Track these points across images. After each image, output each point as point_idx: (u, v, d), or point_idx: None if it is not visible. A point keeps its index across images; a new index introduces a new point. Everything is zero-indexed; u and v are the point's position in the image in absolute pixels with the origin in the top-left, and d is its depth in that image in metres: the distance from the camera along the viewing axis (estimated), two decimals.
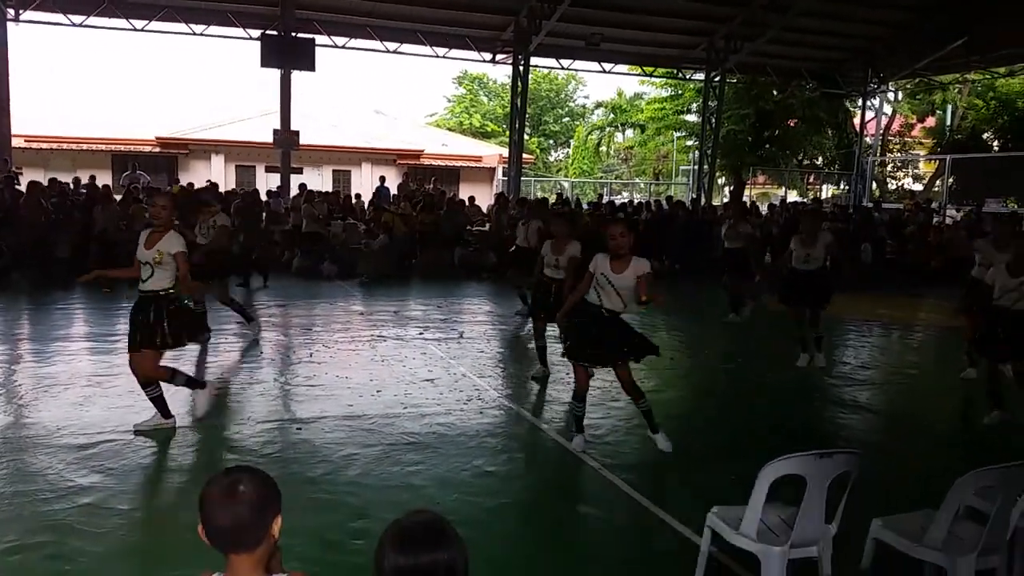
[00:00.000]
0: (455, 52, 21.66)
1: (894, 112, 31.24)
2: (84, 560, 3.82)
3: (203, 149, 26.95)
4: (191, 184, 18.18)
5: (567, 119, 46.31)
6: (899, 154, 33.24)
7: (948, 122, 30.68)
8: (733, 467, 5.16)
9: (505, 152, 25.72)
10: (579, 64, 24.00)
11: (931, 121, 32.06)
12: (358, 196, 19.50)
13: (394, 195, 20.11)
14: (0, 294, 11.49)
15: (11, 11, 17.07)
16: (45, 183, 15.62)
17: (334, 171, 28.48)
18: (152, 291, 5.56)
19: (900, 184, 33.86)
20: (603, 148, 41.59)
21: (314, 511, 4.33)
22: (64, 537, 4.03)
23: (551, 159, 46.98)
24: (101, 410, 6.16)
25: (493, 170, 30.49)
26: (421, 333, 9.70)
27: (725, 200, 28.13)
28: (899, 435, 6.75)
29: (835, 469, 3.38)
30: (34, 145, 23.63)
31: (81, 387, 6.76)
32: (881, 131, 29.88)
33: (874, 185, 29.45)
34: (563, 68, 25.46)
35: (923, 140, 33.24)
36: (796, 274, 8.36)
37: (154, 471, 4.98)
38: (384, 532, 1.71)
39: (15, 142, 18.27)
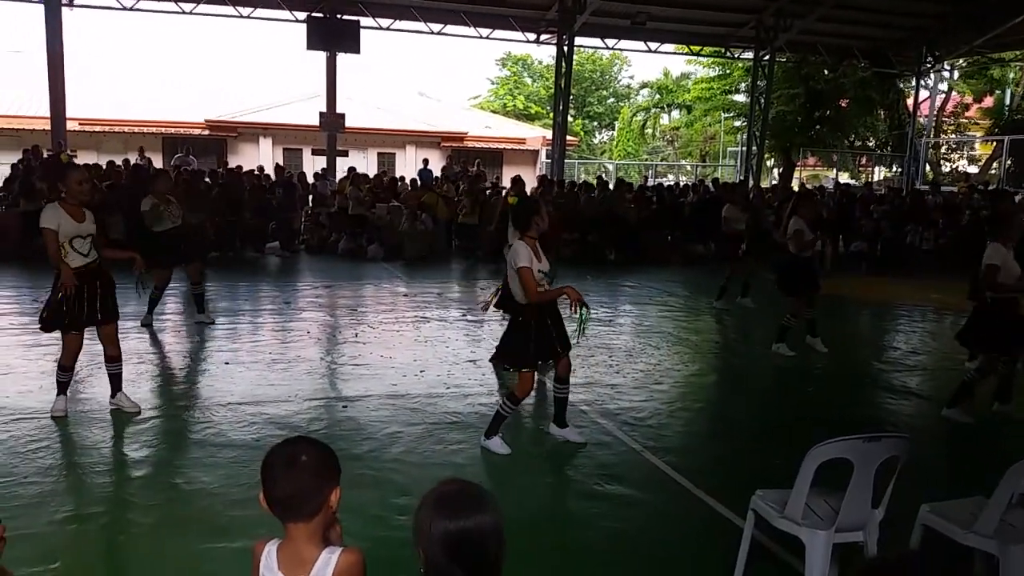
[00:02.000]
0: (499, 33, 21.58)
1: (949, 91, 30.36)
2: (137, 531, 3.93)
3: (251, 132, 27.32)
4: (239, 167, 18.44)
5: (612, 100, 45.95)
6: (954, 135, 32.33)
7: (1007, 102, 29.72)
8: (779, 451, 5.10)
9: (549, 134, 25.62)
10: (624, 44, 23.76)
11: (988, 101, 31.07)
12: (402, 178, 19.60)
13: (437, 177, 20.16)
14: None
15: None
16: (99, 165, 15.98)
17: (379, 154, 28.68)
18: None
19: (955, 166, 32.95)
20: (648, 130, 41.15)
21: (359, 487, 4.38)
22: (117, 509, 4.15)
23: (595, 141, 46.71)
24: (151, 386, 6.32)
25: (536, 152, 30.42)
26: (464, 315, 9.74)
27: (774, 182, 27.67)
28: (950, 421, 6.60)
29: (883, 453, 3.32)
30: (87, 128, 24.18)
31: (134, 364, 6.92)
32: (935, 112, 29.07)
33: (927, 167, 28.70)
34: (608, 48, 25.24)
35: (980, 121, 32.23)
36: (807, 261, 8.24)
37: (204, 446, 5.09)
38: (422, 501, 1.73)
39: (69, 125, 18.68)
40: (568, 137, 24.26)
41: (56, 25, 17.09)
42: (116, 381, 5.72)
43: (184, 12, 18.78)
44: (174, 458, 4.86)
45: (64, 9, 17.48)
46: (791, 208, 8.61)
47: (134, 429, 5.30)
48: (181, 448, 5.03)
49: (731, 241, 11.16)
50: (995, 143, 28.23)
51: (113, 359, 5.70)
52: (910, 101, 27.26)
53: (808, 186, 21.81)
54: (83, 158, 18.70)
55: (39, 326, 5.53)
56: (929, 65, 25.01)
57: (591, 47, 28.25)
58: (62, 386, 5.55)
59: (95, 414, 5.60)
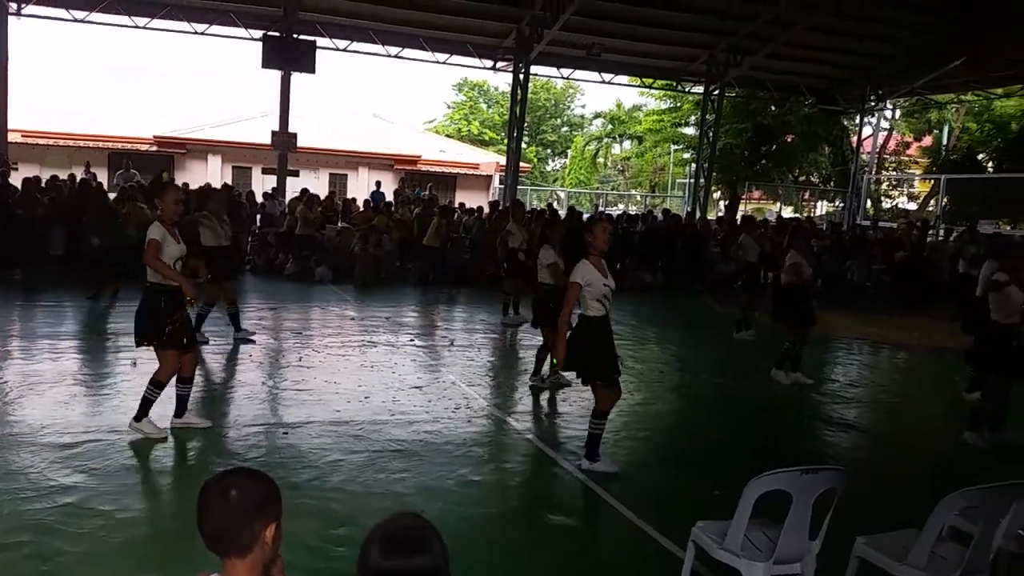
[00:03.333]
0: (456, 58, 21.68)
1: (891, 130, 31.39)
2: (64, 560, 3.80)
3: (200, 149, 26.92)
4: (186, 184, 18.13)
5: (565, 129, 46.45)
6: (894, 172, 33.38)
7: (944, 142, 30.83)
8: (718, 481, 5.15)
9: (502, 160, 25.75)
10: (579, 74, 24.05)
11: (927, 140, 32.22)
12: (353, 200, 19.48)
13: (388, 200, 20.10)
14: None
15: (13, 5, 17.04)
16: (41, 179, 15.58)
17: (331, 174, 28.48)
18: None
19: (895, 203, 34.00)
20: (600, 159, 41.66)
21: (298, 517, 4.29)
22: (45, 536, 4.00)
23: (548, 168, 47.08)
24: (86, 409, 6.14)
25: (490, 178, 30.53)
26: (412, 340, 9.69)
27: (720, 214, 28.19)
28: (885, 454, 6.76)
29: (820, 486, 3.37)
30: (30, 140, 23.56)
31: (67, 386, 6.73)
32: (877, 149, 30.00)
33: (868, 203, 29.55)
34: (563, 77, 25.52)
35: (919, 159, 33.39)
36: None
37: (137, 472, 4.95)
38: (368, 534, 1.70)
39: (11, 136, 18.21)
40: (522, 164, 24.42)
41: (2, 34, 16.70)
42: (184, 402, 5.74)
43: (137, 27, 18.49)
44: (106, 484, 4.70)
45: (11, 18, 17.09)
46: (787, 241, 8.89)
47: (65, 454, 5.12)
48: (114, 474, 4.87)
49: (746, 271, 11.31)
50: (933, 181, 29.22)
51: (188, 380, 5.74)
52: (854, 139, 28.08)
53: (795, 218, 22.26)
54: (25, 171, 18.16)
55: (154, 344, 5.42)
56: (872, 103, 25.83)
57: (546, 75, 28.51)
58: (149, 405, 5.50)
59: (24, 437, 5.40)
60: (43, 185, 15.18)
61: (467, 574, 3.63)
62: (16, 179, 15.22)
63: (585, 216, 18.53)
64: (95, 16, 18.03)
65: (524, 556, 4.26)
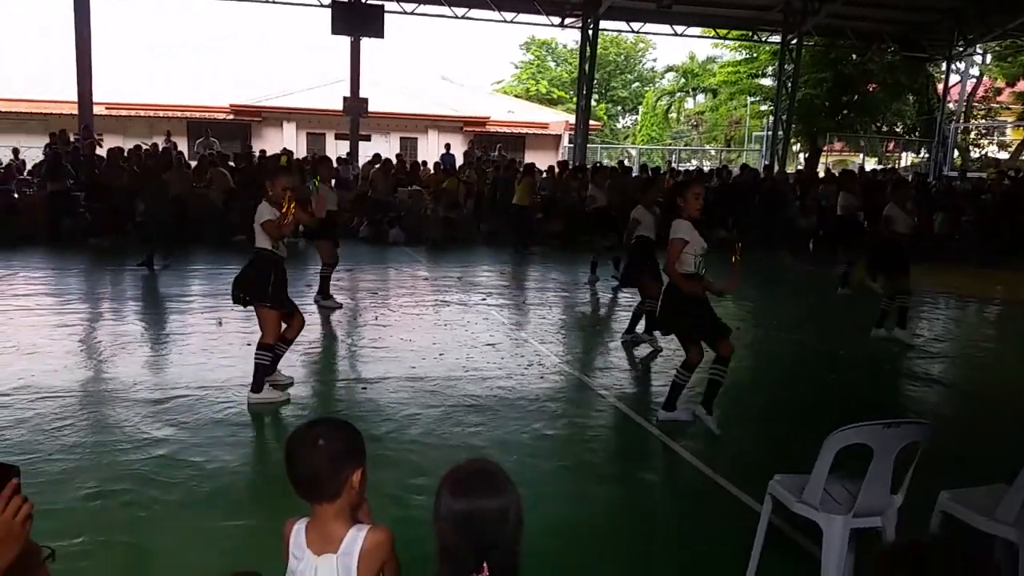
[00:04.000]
0: (523, 16, 21.45)
1: (980, 76, 29.80)
2: (158, 508, 3.99)
3: (275, 117, 27.41)
4: (263, 151, 18.54)
5: (636, 84, 45.57)
6: (984, 120, 31.75)
7: None
8: (798, 437, 5.08)
9: (571, 119, 25.48)
10: (649, 27, 23.53)
11: (1021, 85, 30.48)
12: (424, 163, 19.60)
13: (460, 163, 20.16)
14: (81, 256, 11.96)
15: None
16: (124, 149, 16.12)
17: (401, 138, 28.67)
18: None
19: (984, 152, 32.40)
20: (673, 114, 40.81)
21: (377, 467, 4.36)
22: (140, 486, 4.21)
23: (619, 126, 46.38)
24: (175, 367, 6.40)
25: (559, 137, 30.28)
26: (484, 299, 9.76)
27: (799, 168, 27.38)
28: (971, 409, 6.54)
29: (903, 439, 3.28)
30: (114, 112, 24.37)
31: (155, 345, 7.03)
32: (965, 96, 28.57)
33: (956, 153, 28.25)
34: (633, 31, 25.01)
35: (1011, 106, 31.65)
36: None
37: (224, 425, 5.14)
38: (442, 479, 1.74)
39: (95, 109, 18.85)
40: (591, 121, 24.14)
41: (84, 9, 17.23)
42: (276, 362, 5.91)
43: None
44: (195, 437, 4.91)
45: None
46: (888, 194, 8.72)
47: (156, 409, 5.36)
48: (203, 427, 5.09)
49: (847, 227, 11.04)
50: None
51: (291, 340, 5.98)
52: (940, 86, 26.79)
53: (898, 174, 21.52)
54: (110, 142, 18.84)
55: (268, 304, 5.62)
56: (960, 49, 24.53)
57: (616, 31, 27.99)
58: (265, 370, 5.65)
59: (117, 393, 5.67)
60: (126, 155, 15.70)
61: (542, 524, 3.68)
62: (102, 151, 15.78)
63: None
64: None
65: (598, 508, 4.29)
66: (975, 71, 28.93)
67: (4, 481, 1.58)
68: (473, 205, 16.20)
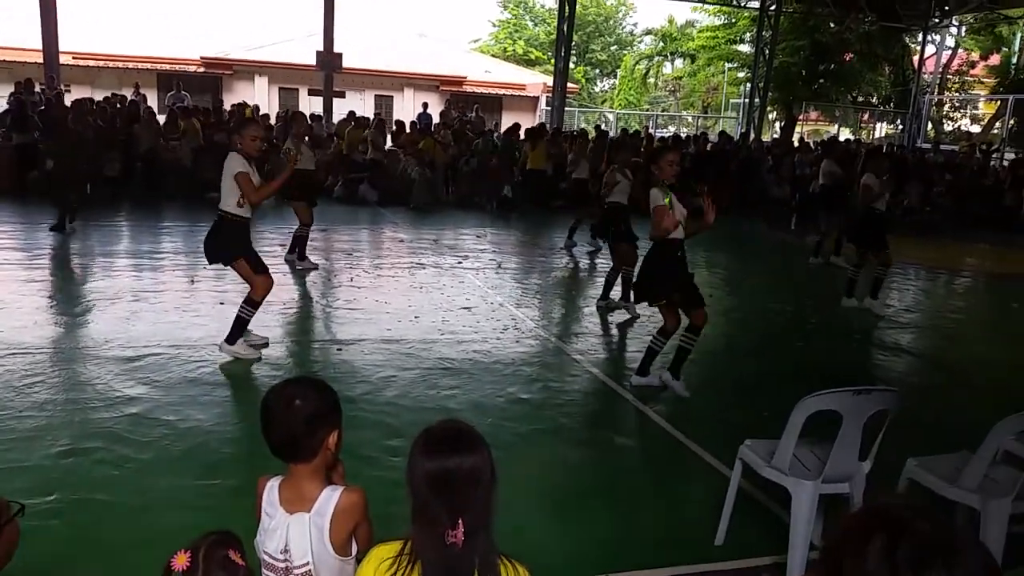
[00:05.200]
0: None
1: (956, 48, 29.95)
2: (131, 466, 3.97)
3: (247, 70, 26.91)
4: (234, 106, 18.19)
5: (615, 47, 45.24)
6: (958, 93, 31.98)
7: (1014, 60, 29.35)
8: (768, 403, 5.15)
9: (549, 81, 25.27)
10: None
11: (995, 59, 30.69)
12: (399, 123, 19.37)
13: (436, 123, 19.94)
14: (49, 211, 11.72)
15: None
16: (93, 100, 15.74)
17: (376, 96, 28.31)
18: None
19: (957, 125, 32.69)
20: (651, 79, 40.62)
21: (353, 429, 4.33)
22: (112, 444, 4.19)
23: (596, 89, 46.12)
24: (147, 325, 6.32)
25: (536, 99, 30.06)
26: (460, 262, 9.73)
27: (775, 136, 27.45)
28: (939, 379, 6.68)
29: (872, 406, 3.35)
30: (81, 62, 23.76)
31: (127, 302, 6.93)
32: (940, 68, 28.72)
33: (929, 125, 28.47)
34: None
35: (984, 79, 31.89)
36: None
37: (197, 384, 5.12)
38: (415, 439, 1.75)
39: (63, 59, 18.36)
40: (569, 84, 23.94)
41: None
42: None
43: None
44: (169, 395, 4.88)
45: None
46: (862, 164, 8.73)
47: (129, 367, 5.31)
48: (176, 386, 5.05)
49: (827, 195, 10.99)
50: (999, 102, 27.98)
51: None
52: (916, 58, 26.90)
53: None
54: (77, 92, 18.43)
55: (242, 257, 5.60)
56: (937, 19, 24.60)
57: None
58: (244, 324, 5.65)
59: (89, 351, 5.61)
60: (94, 107, 15.33)
61: (516, 485, 3.73)
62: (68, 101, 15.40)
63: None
64: None
65: (572, 471, 4.34)
66: (951, 43, 29.08)
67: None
68: (443, 167, 16.00)
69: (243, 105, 17.63)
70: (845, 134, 29.30)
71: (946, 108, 31.92)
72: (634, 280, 5.53)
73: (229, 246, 5.60)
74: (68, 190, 10.24)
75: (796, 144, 20.85)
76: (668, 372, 5.55)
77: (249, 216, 5.62)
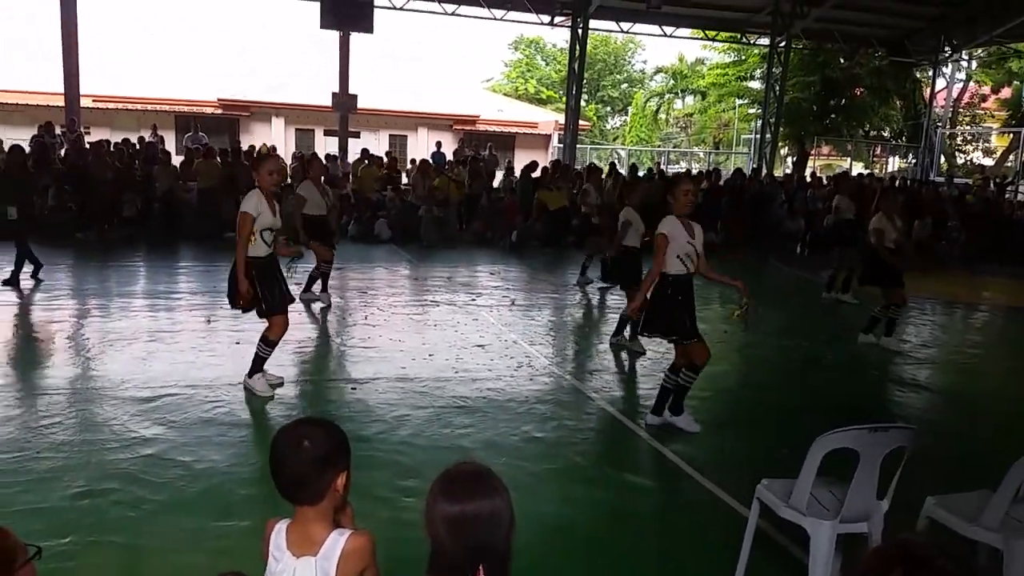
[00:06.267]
0: (513, 14, 21.45)
1: (967, 82, 30.05)
2: (147, 507, 3.98)
3: (264, 111, 27.30)
4: (252, 147, 18.45)
5: (625, 85, 45.68)
6: (970, 126, 32.01)
7: None
8: (785, 440, 5.11)
9: (561, 118, 25.50)
10: (639, 27, 23.56)
11: (1006, 92, 30.76)
12: (413, 161, 19.57)
13: (449, 160, 20.12)
14: (69, 252, 11.88)
15: None
16: (111, 142, 16.00)
17: (391, 135, 28.61)
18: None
19: (969, 158, 32.68)
20: (662, 115, 40.92)
21: (366, 469, 4.41)
22: (128, 485, 4.20)
23: (608, 126, 46.47)
24: (163, 365, 6.36)
25: (549, 137, 30.31)
26: (474, 299, 9.76)
27: (787, 171, 27.51)
28: (957, 415, 6.60)
29: (889, 444, 3.32)
30: (100, 105, 24.19)
31: (144, 343, 6.99)
32: (952, 102, 28.79)
33: (942, 158, 28.47)
34: (623, 31, 25.05)
35: (996, 112, 31.93)
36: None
37: (213, 425, 5.13)
38: (434, 481, 1.75)
39: (82, 101, 18.71)
40: (581, 121, 24.15)
41: (71, 3, 17.09)
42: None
43: None
44: (184, 436, 4.90)
45: None
46: (875, 204, 8.68)
47: (145, 407, 5.34)
48: (192, 426, 5.07)
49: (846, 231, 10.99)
50: (1012, 135, 27.97)
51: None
52: (927, 92, 26.98)
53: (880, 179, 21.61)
54: (96, 134, 18.74)
55: (264, 314, 5.66)
56: (947, 54, 24.72)
57: (605, 30, 27.99)
58: (263, 362, 5.73)
59: (106, 391, 5.65)
60: (112, 148, 15.59)
61: (531, 525, 3.70)
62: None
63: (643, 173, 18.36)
64: None
65: (587, 511, 4.30)
66: (961, 76, 29.18)
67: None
68: (456, 205, 16.10)
69: (273, 150, 17.84)
70: (858, 168, 29.30)
71: (958, 141, 31.94)
72: (643, 314, 5.47)
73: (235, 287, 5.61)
74: (28, 237, 9.53)
75: (808, 179, 20.89)
76: (669, 411, 5.47)
77: (263, 254, 5.61)
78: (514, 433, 5.29)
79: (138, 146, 16.36)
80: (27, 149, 14.73)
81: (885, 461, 3.33)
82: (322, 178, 9.23)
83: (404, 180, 17.84)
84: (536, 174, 16.59)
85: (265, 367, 5.86)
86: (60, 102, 17.87)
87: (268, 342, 5.74)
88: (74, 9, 17.15)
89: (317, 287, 9.06)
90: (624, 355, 7.55)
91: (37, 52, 24.53)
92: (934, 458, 4.64)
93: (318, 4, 18.12)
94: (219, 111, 26.64)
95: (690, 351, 5.31)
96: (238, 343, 7.01)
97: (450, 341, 7.60)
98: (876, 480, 3.37)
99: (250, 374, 5.75)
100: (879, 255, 8.17)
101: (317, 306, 8.88)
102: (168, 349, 6.84)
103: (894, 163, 31.77)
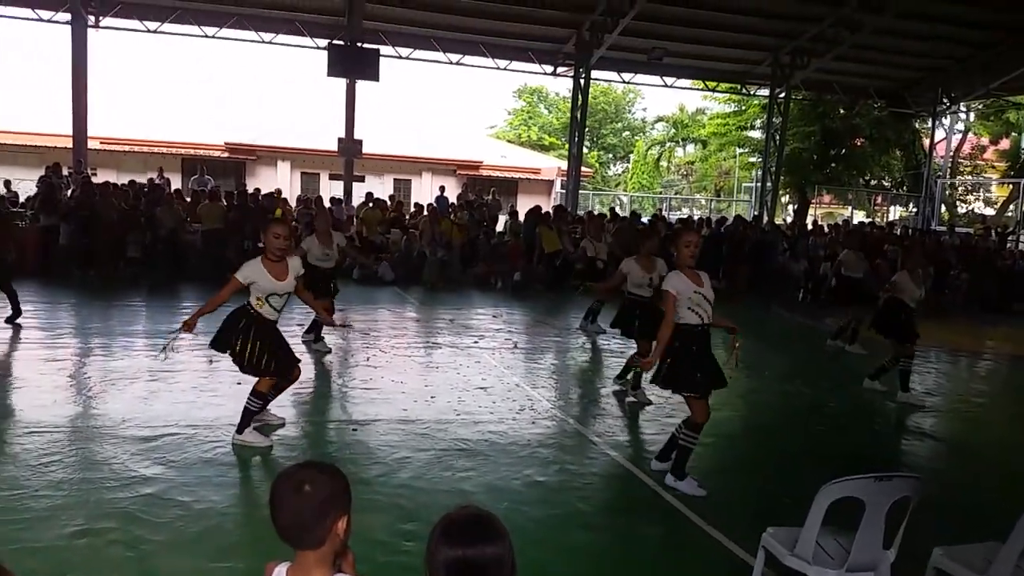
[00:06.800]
0: (516, 64, 21.82)
1: (966, 133, 30.40)
2: (146, 547, 3.93)
3: (270, 155, 27.60)
4: (257, 190, 18.62)
5: (626, 133, 46.23)
6: (970, 176, 32.29)
7: (1023, 145, 29.73)
8: (789, 488, 5.07)
9: (563, 164, 25.77)
10: (640, 78, 23.91)
11: (1005, 143, 31.10)
12: (417, 205, 19.74)
13: (452, 204, 20.28)
14: (73, 290, 11.92)
15: (91, 18, 17.76)
16: (117, 184, 16.16)
17: (395, 180, 28.89)
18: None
19: (971, 208, 32.91)
20: (663, 163, 41.34)
21: (367, 512, 4.37)
22: (127, 525, 4.16)
23: (610, 173, 46.92)
24: (164, 404, 6.34)
25: (551, 183, 30.58)
26: (476, 342, 9.75)
27: (788, 219, 27.68)
28: (963, 464, 6.55)
29: (895, 493, 3.30)
30: (108, 147, 24.48)
31: (145, 382, 6.98)
32: (951, 152, 29.08)
33: (943, 208, 28.66)
34: (624, 82, 25.42)
35: (996, 163, 32.25)
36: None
37: (213, 465, 5.10)
38: (435, 526, 1.74)
39: (90, 143, 18.93)
40: (583, 168, 24.39)
41: (81, 45, 17.41)
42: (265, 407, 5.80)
43: (207, 36, 19.10)
44: (184, 476, 4.86)
45: (89, 30, 17.79)
46: (900, 260, 8.61)
47: (145, 446, 5.31)
48: (192, 466, 5.04)
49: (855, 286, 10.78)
50: (1011, 185, 28.19)
51: (283, 389, 5.96)
52: (926, 142, 27.27)
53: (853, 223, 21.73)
54: (103, 176, 18.94)
55: (256, 371, 5.49)
56: (945, 106, 25.04)
57: (607, 80, 28.42)
58: (252, 416, 5.55)
59: (106, 430, 5.62)
60: (119, 189, 15.72)
61: (532, 572, 3.66)
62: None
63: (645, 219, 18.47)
64: (167, 27, 18.68)
65: (590, 557, 4.25)
66: (960, 127, 29.51)
67: None
68: (459, 247, 16.18)
69: (278, 193, 17.93)
70: (859, 216, 29.51)
71: (959, 191, 32.19)
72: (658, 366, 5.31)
73: (245, 354, 5.48)
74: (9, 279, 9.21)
75: (810, 226, 21.00)
76: (670, 474, 5.27)
77: (273, 318, 5.50)
78: (516, 477, 5.25)
79: (147, 188, 16.50)
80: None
81: (891, 510, 3.31)
82: (328, 230, 8.98)
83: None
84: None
85: (268, 407, 5.82)
86: (69, 143, 18.08)
87: (257, 393, 5.53)
88: (84, 51, 17.46)
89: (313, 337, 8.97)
90: (628, 399, 7.51)
91: (47, 93, 24.91)
92: (940, 508, 4.60)
93: (325, 53, 18.45)
94: (226, 155, 26.94)
95: (691, 405, 5.14)
96: (239, 383, 6.96)
97: (452, 383, 7.58)
98: (882, 529, 3.34)
99: (239, 430, 5.52)
100: (897, 311, 8.03)
101: (322, 348, 8.86)
102: (169, 389, 6.82)
103: (895, 212, 31.98)
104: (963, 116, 28.45)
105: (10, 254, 9.68)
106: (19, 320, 9.19)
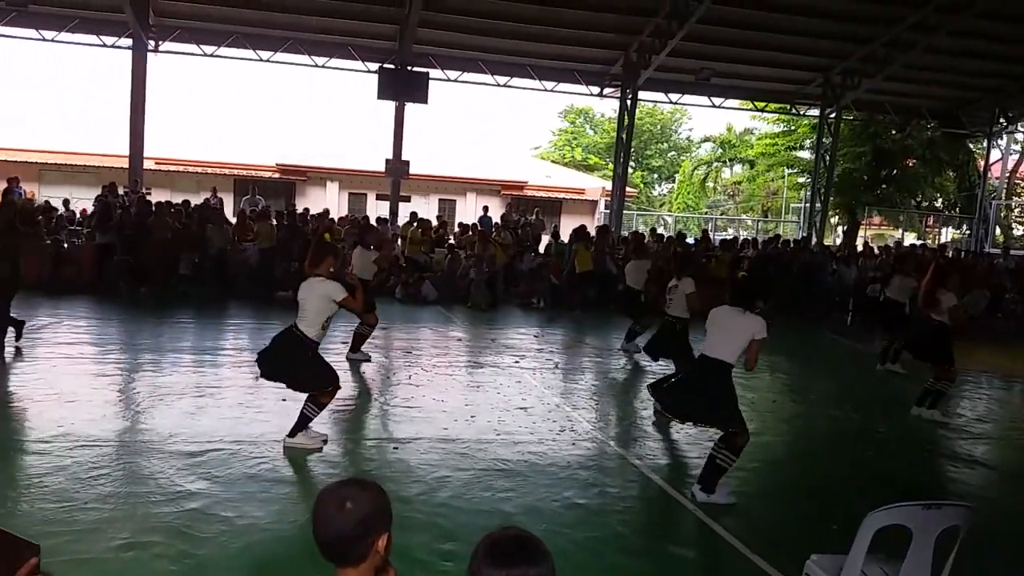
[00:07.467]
0: (563, 86, 21.86)
1: (1022, 154, 29.62)
2: (189, 562, 4.00)
3: (319, 176, 28.04)
4: (306, 209, 18.93)
5: (672, 153, 46.01)
6: None
7: None
8: (835, 515, 4.97)
9: (607, 185, 25.71)
10: (688, 99, 23.76)
11: None
12: (462, 224, 19.85)
13: (496, 224, 20.36)
14: (125, 307, 12.23)
15: (151, 42, 18.30)
16: (171, 204, 16.55)
17: (440, 200, 29.12)
18: None
19: None
20: (709, 183, 40.96)
21: (405, 531, 4.38)
22: (172, 539, 4.23)
23: (655, 193, 46.68)
24: (211, 420, 6.46)
25: (595, 203, 30.53)
26: (517, 362, 9.75)
27: (838, 240, 27.21)
28: (1016, 492, 6.35)
29: (943, 522, 3.21)
30: (163, 167, 25.09)
31: (192, 397, 7.11)
32: (1007, 173, 28.35)
33: (998, 230, 27.92)
34: (672, 103, 25.30)
35: None
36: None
37: (257, 481, 5.17)
38: (477, 545, 1.74)
39: (145, 164, 19.43)
40: (627, 188, 24.30)
41: (141, 68, 17.92)
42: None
43: (261, 60, 19.53)
44: (228, 491, 4.94)
45: (149, 54, 18.32)
46: (939, 279, 8.49)
47: (191, 462, 5.41)
48: (236, 482, 5.12)
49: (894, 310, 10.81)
50: None
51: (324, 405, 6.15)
52: (981, 163, 26.63)
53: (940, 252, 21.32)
54: (157, 196, 19.39)
55: (328, 388, 5.94)
56: (1002, 126, 24.44)
57: (654, 101, 28.32)
58: (308, 422, 5.93)
59: (153, 445, 5.74)
60: (172, 209, 16.10)
61: None
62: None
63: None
64: (223, 51, 19.15)
65: None
66: (1017, 148, 28.79)
67: (23, 559, 1.56)
68: (503, 266, 16.21)
69: (326, 213, 18.35)
70: (910, 239, 28.87)
71: (1016, 213, 31.34)
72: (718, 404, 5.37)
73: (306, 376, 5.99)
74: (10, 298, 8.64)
75: (860, 248, 20.64)
76: (701, 490, 5.33)
77: (319, 339, 5.98)
78: (555, 499, 5.22)
79: (196, 207, 16.89)
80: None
81: (940, 539, 3.22)
82: (371, 245, 9.50)
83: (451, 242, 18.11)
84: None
85: (310, 424, 5.93)
86: (124, 163, 18.58)
87: (318, 403, 5.90)
88: (143, 75, 17.96)
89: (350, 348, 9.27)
90: (672, 423, 7.42)
91: (104, 114, 25.68)
92: (991, 536, 4.46)
93: (376, 76, 18.73)
94: (277, 175, 27.43)
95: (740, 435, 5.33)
96: (284, 400, 7.07)
97: (493, 403, 7.59)
98: (930, 559, 3.25)
99: (292, 433, 5.85)
100: (932, 329, 7.94)
101: (365, 366, 8.96)
102: (216, 404, 6.95)
103: (947, 234, 31.24)
104: (1020, 136, 27.76)
105: (8, 271, 8.60)
106: (19, 343, 8.70)
